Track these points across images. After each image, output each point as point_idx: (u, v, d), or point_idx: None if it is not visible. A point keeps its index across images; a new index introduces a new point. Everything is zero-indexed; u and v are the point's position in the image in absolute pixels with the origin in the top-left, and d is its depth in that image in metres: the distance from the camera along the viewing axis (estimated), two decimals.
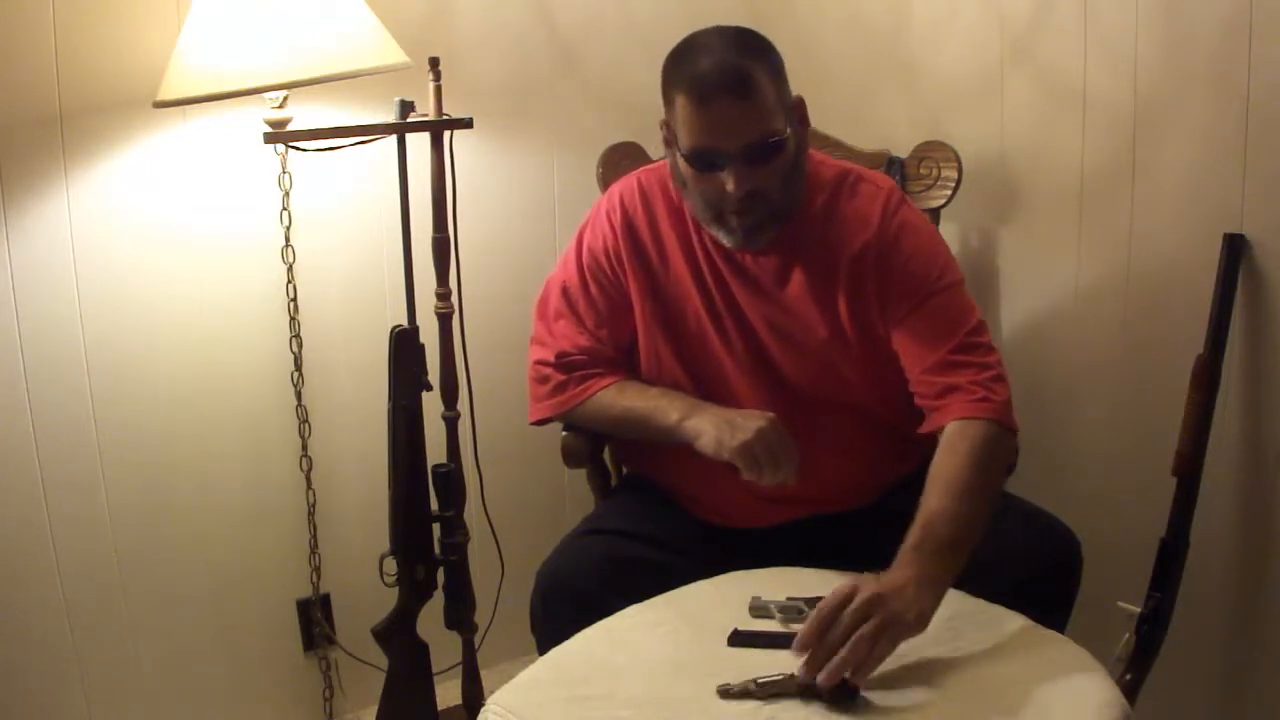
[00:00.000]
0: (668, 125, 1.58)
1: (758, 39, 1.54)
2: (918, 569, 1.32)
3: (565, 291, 1.72)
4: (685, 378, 1.68)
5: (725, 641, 1.38)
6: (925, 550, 1.34)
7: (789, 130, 1.53)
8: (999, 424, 1.51)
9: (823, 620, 1.25)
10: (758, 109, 1.49)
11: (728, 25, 1.55)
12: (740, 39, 1.53)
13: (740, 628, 1.40)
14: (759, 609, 1.43)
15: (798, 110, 1.58)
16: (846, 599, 1.26)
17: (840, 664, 1.22)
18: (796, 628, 1.35)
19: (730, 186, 1.51)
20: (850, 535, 1.61)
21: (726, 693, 1.25)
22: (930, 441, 1.54)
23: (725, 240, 1.60)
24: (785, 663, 1.30)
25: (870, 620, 1.24)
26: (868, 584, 1.28)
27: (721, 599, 1.49)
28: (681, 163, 1.56)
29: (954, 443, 1.49)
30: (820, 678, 1.22)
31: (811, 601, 1.38)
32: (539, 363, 1.73)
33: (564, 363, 1.70)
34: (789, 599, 1.43)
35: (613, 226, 1.69)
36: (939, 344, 1.56)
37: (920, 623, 1.28)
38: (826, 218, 1.63)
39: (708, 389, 1.66)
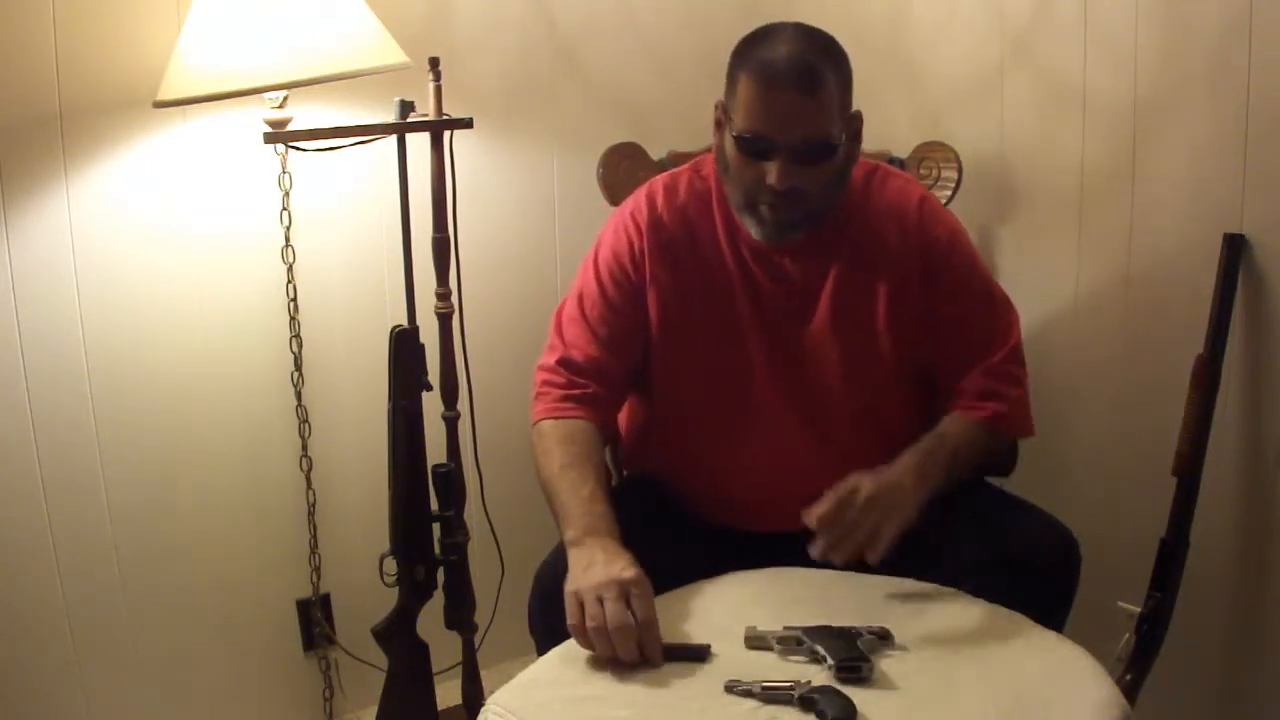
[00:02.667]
0: (723, 106, 1.57)
1: (836, 45, 1.55)
2: (920, 464, 1.50)
3: (580, 298, 1.69)
4: (702, 381, 1.66)
5: (724, 642, 1.37)
6: (933, 454, 1.53)
7: (843, 140, 1.54)
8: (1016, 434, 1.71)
9: (841, 504, 1.41)
10: (819, 109, 1.49)
11: (810, 25, 1.55)
12: (820, 39, 1.54)
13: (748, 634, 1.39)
14: (755, 639, 1.38)
15: (854, 123, 1.58)
16: (855, 490, 1.43)
17: (853, 545, 1.40)
18: (795, 660, 1.33)
19: (772, 179, 1.51)
20: None
21: (732, 688, 1.26)
22: None
23: (753, 230, 1.60)
24: (788, 668, 1.31)
25: (876, 508, 1.41)
26: (867, 480, 1.44)
27: (721, 600, 1.49)
28: (729, 144, 1.55)
29: (975, 410, 1.63)
30: (836, 558, 1.41)
31: (810, 631, 1.35)
32: (539, 367, 1.71)
33: (565, 366, 1.66)
34: (786, 628, 1.37)
35: (639, 226, 1.67)
36: (987, 350, 1.65)
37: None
38: (861, 215, 1.64)
39: (724, 391, 1.66)
